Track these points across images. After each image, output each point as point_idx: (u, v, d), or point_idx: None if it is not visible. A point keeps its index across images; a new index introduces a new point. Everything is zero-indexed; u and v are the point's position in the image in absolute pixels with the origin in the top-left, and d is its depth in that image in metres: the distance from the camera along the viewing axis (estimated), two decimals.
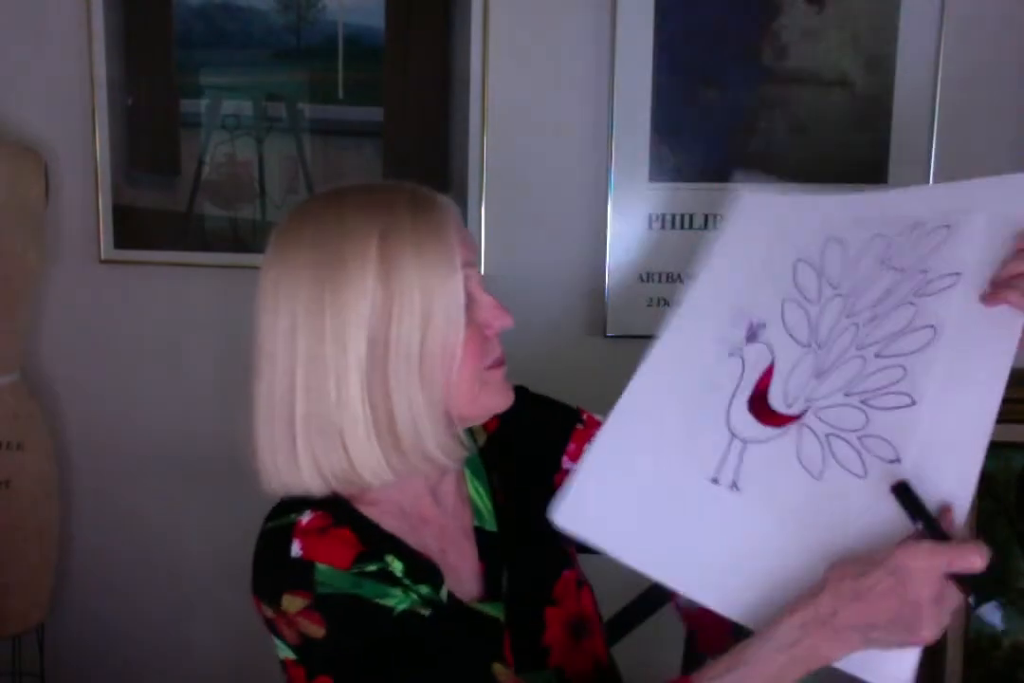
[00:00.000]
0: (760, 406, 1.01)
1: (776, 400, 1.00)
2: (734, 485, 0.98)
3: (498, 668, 0.90)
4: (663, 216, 1.85)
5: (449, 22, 1.86)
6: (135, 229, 2.03)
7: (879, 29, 1.78)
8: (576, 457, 1.12)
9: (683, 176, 1.82)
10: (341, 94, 1.93)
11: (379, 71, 1.91)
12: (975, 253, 0.94)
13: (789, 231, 1.10)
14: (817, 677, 0.89)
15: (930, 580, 0.76)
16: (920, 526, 0.81)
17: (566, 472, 1.11)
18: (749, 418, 1.01)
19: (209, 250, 2.01)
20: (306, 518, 0.90)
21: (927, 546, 0.77)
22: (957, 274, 0.94)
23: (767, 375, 1.02)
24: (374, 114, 1.92)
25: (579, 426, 1.14)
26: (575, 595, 1.09)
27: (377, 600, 0.86)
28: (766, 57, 1.81)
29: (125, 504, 2.14)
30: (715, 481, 0.99)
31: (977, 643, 1.73)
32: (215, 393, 2.07)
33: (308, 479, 0.91)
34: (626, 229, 1.86)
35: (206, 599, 2.15)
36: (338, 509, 0.93)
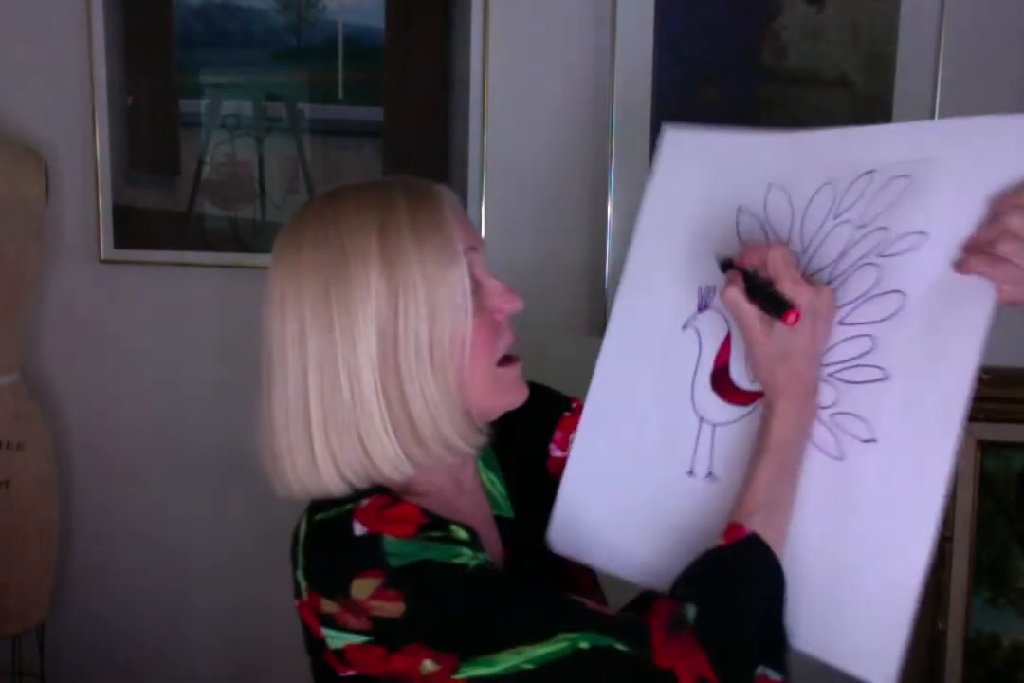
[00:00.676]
0: (722, 382, 0.96)
1: (738, 374, 0.95)
2: (710, 474, 0.96)
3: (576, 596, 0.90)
4: None
5: (449, 22, 1.86)
6: (135, 229, 2.03)
7: (879, 29, 1.77)
8: (563, 445, 1.13)
9: None
10: (341, 94, 1.93)
11: (379, 71, 1.91)
12: (941, 210, 0.86)
13: (724, 175, 0.99)
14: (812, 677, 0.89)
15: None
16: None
17: (555, 460, 1.13)
18: (713, 397, 0.96)
19: (209, 250, 2.01)
20: (364, 503, 0.90)
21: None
22: (923, 234, 0.87)
23: (725, 347, 0.96)
24: (374, 114, 1.92)
25: (567, 414, 1.15)
26: (580, 571, 1.11)
27: (449, 560, 0.86)
28: (766, 57, 1.81)
29: (125, 504, 2.14)
30: (691, 473, 0.97)
31: (977, 643, 1.73)
32: (215, 393, 2.07)
33: (327, 479, 0.91)
34: (626, 229, 1.86)
35: (206, 599, 2.15)
36: (391, 494, 0.94)
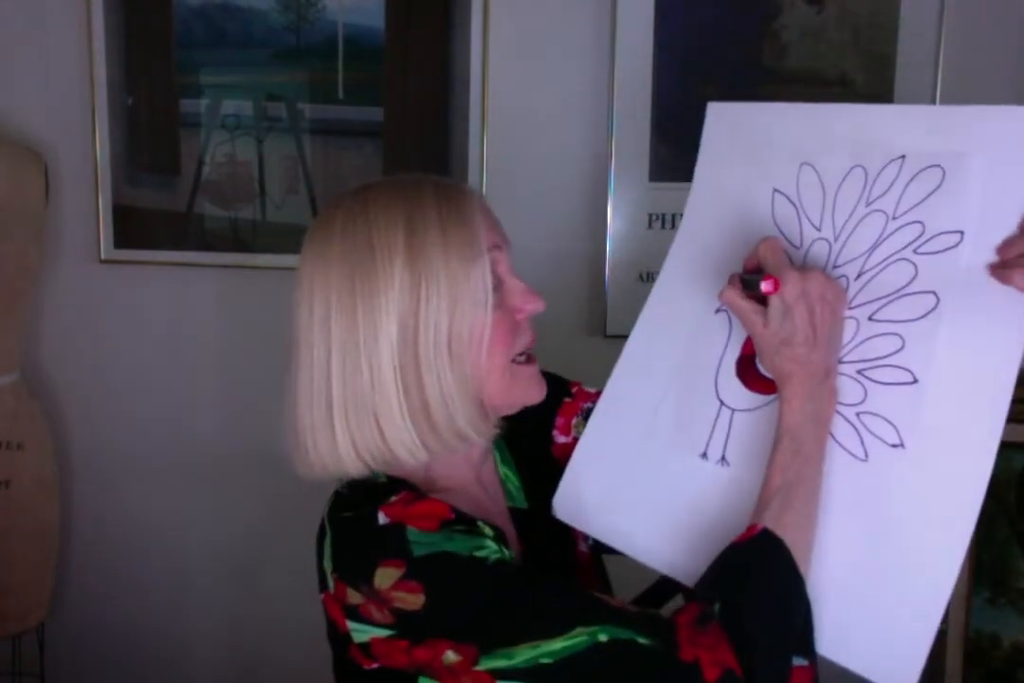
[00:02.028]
0: (747, 369, 0.96)
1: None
2: (723, 459, 0.95)
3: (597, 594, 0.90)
4: (663, 216, 1.85)
5: (449, 22, 1.86)
6: (135, 229, 2.03)
7: (879, 29, 1.78)
8: (565, 431, 1.14)
9: (683, 176, 1.81)
10: (341, 94, 1.93)
11: (379, 71, 1.91)
12: (977, 209, 0.83)
13: (760, 153, 0.98)
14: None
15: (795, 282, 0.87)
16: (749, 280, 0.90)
17: (559, 445, 1.14)
18: (736, 383, 0.96)
19: (209, 250, 2.01)
20: (390, 500, 0.91)
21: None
22: (960, 233, 0.84)
23: None
24: (374, 114, 1.92)
25: (567, 399, 1.15)
26: (589, 563, 1.12)
27: (471, 554, 0.87)
28: (766, 57, 1.81)
29: (125, 504, 2.14)
30: (704, 456, 0.97)
31: (977, 643, 1.73)
32: (215, 393, 2.07)
33: (346, 459, 0.93)
34: (626, 229, 1.86)
35: (206, 599, 2.15)
36: (416, 491, 0.94)
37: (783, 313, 0.87)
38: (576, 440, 1.10)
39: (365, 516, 0.90)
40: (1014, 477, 1.68)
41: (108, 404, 2.12)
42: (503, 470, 1.08)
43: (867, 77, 1.79)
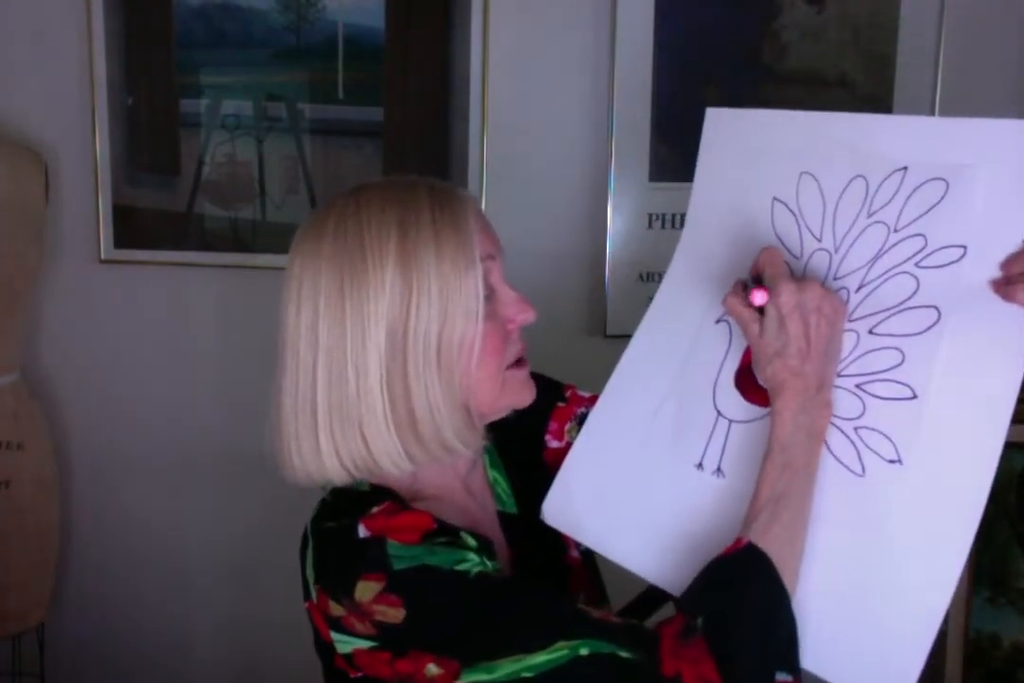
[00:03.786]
0: (746, 380, 0.95)
1: None
2: (719, 470, 0.95)
3: (582, 605, 0.89)
4: (663, 216, 1.85)
5: (449, 22, 1.86)
6: (135, 229, 2.03)
7: (879, 29, 1.78)
8: (558, 435, 1.13)
9: (683, 176, 1.81)
10: (341, 94, 1.93)
11: (379, 71, 1.91)
12: (981, 224, 0.82)
13: (759, 161, 0.97)
14: None
15: (791, 294, 0.86)
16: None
17: (552, 450, 1.13)
18: (735, 394, 0.95)
19: (209, 250, 2.01)
20: (372, 511, 0.90)
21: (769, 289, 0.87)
22: (962, 247, 0.83)
23: None
24: (374, 114, 1.92)
25: (560, 404, 1.14)
26: (581, 569, 1.11)
27: (452, 567, 0.86)
28: (766, 57, 1.81)
29: (125, 504, 2.14)
30: (700, 467, 0.96)
31: (977, 643, 1.73)
32: (215, 393, 2.07)
33: (329, 467, 0.92)
34: (626, 229, 1.86)
35: (206, 599, 2.15)
36: (400, 502, 0.93)
37: (778, 324, 0.86)
38: (569, 445, 1.09)
39: (346, 527, 0.89)
40: (1014, 478, 1.67)
41: (108, 404, 2.12)
42: (492, 474, 1.07)
43: (867, 77, 1.79)
